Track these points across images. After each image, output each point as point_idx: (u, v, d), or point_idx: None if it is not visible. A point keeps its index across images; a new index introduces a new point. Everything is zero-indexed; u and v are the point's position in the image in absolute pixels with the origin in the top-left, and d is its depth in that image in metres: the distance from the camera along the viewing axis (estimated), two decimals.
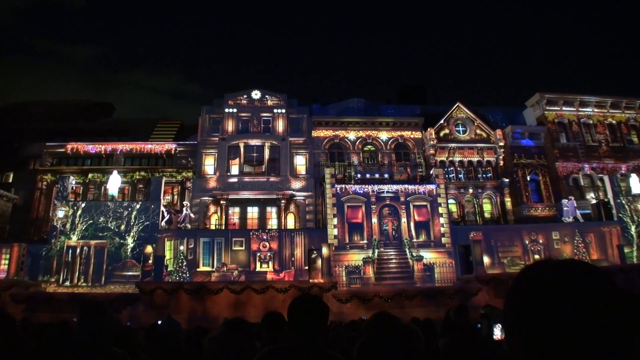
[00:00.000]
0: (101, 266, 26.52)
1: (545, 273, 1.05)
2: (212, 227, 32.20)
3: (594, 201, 33.16)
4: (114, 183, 30.26)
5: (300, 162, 35.58)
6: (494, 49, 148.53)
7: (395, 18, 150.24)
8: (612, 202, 30.90)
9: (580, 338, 0.95)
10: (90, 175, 34.33)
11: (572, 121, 37.75)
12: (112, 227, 27.42)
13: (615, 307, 0.98)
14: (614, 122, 38.36)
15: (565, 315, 0.97)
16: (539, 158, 36.44)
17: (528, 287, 1.05)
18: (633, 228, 29.76)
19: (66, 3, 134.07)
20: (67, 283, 25.92)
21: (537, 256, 28.15)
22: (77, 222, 27.41)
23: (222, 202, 32.84)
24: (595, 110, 38.45)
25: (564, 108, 37.94)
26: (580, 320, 0.96)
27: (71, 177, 31.30)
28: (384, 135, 36.92)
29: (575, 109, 38.08)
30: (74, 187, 32.40)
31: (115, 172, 31.19)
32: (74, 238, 27.10)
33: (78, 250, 26.78)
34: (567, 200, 31.64)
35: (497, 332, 3.96)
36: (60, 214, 27.07)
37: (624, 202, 30.71)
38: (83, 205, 28.28)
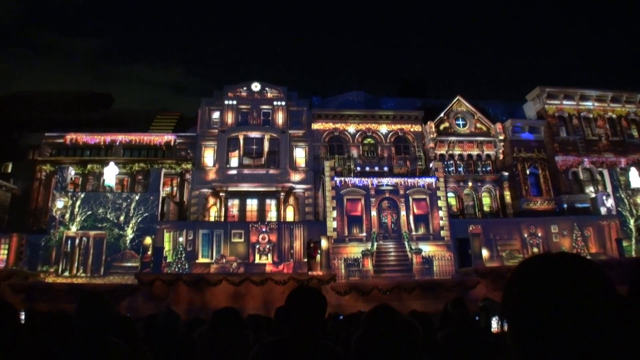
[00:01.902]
0: (100, 257, 26.58)
1: (541, 267, 1.07)
2: (212, 219, 32.22)
3: (593, 195, 33.22)
4: (111, 174, 30.23)
5: (300, 154, 35.55)
6: (494, 42, 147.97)
7: (396, 11, 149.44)
8: (611, 196, 30.96)
9: (576, 330, 0.97)
10: (89, 166, 34.31)
11: (572, 115, 37.67)
12: (111, 218, 27.45)
13: (608, 300, 1.00)
14: (614, 116, 38.30)
15: (561, 307, 0.98)
16: (539, 152, 36.42)
17: (525, 280, 1.08)
18: (632, 222, 29.83)
19: None
20: (66, 273, 25.99)
21: (535, 249, 28.24)
22: (76, 212, 27.43)
23: (221, 194, 32.84)
24: (596, 104, 38.36)
25: (564, 102, 37.85)
26: (575, 312, 0.98)
27: (70, 168, 31.25)
28: (383, 128, 36.87)
29: (575, 103, 37.99)
30: (73, 178, 32.36)
31: (111, 163, 31.13)
32: (73, 228, 27.14)
33: (77, 241, 26.84)
34: (601, 193, 31.81)
35: (495, 325, 3.98)
36: (59, 204, 27.07)
37: (623, 196, 30.77)
38: (82, 195, 28.28)
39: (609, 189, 31.39)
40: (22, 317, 7.67)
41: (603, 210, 30.94)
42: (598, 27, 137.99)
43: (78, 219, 27.33)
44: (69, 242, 26.80)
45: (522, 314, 1.03)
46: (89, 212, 27.44)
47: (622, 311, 1.00)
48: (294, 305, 2.64)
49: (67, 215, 27.30)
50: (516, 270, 1.12)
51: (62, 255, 26.34)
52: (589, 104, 38.24)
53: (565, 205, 33.64)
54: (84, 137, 35.73)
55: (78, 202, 27.67)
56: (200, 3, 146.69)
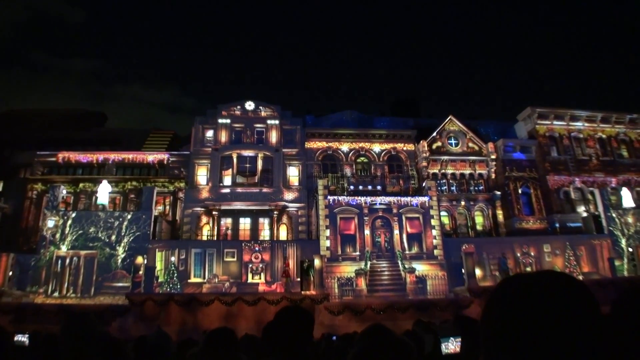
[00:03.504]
0: (91, 277, 26.23)
1: (522, 287, 1.05)
2: (204, 238, 31.98)
3: (584, 214, 33.38)
4: (104, 192, 30.01)
5: (293, 173, 35.55)
6: (486, 63, 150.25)
7: (389, 32, 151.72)
8: (602, 216, 31.14)
9: (559, 351, 0.95)
10: (81, 185, 34.01)
11: (563, 135, 38.09)
12: (103, 238, 27.18)
13: (590, 316, 0.99)
14: (604, 136, 38.76)
15: (543, 328, 0.97)
16: (530, 171, 36.68)
17: (505, 302, 1.05)
18: (623, 241, 29.97)
19: (65, 18, 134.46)
20: (56, 294, 25.60)
21: (528, 269, 28.21)
22: (67, 232, 27.15)
23: (214, 212, 32.67)
24: (586, 124, 38.85)
25: (554, 122, 38.30)
26: (558, 333, 0.96)
27: (62, 187, 31.01)
28: (377, 147, 37.05)
29: (565, 123, 38.45)
30: (64, 197, 32.08)
31: (104, 181, 30.91)
32: (64, 248, 26.82)
33: (67, 261, 26.50)
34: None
35: (451, 346, 3.91)
36: (50, 223, 26.80)
37: (614, 215, 30.97)
38: (73, 215, 28.02)
39: (600, 209, 31.57)
40: (27, 341, 7.48)
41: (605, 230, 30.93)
42: (589, 48, 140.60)
43: (69, 238, 27.03)
44: (59, 261, 26.45)
45: (502, 334, 1.01)
46: (80, 232, 27.16)
47: (606, 331, 0.99)
48: (281, 325, 2.61)
49: (58, 235, 27.00)
50: (494, 292, 1.10)
51: (52, 275, 25.98)
52: (579, 124, 38.73)
53: (557, 225, 33.76)
54: (76, 156, 35.50)
55: (69, 221, 27.41)
56: (196, 24, 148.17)
